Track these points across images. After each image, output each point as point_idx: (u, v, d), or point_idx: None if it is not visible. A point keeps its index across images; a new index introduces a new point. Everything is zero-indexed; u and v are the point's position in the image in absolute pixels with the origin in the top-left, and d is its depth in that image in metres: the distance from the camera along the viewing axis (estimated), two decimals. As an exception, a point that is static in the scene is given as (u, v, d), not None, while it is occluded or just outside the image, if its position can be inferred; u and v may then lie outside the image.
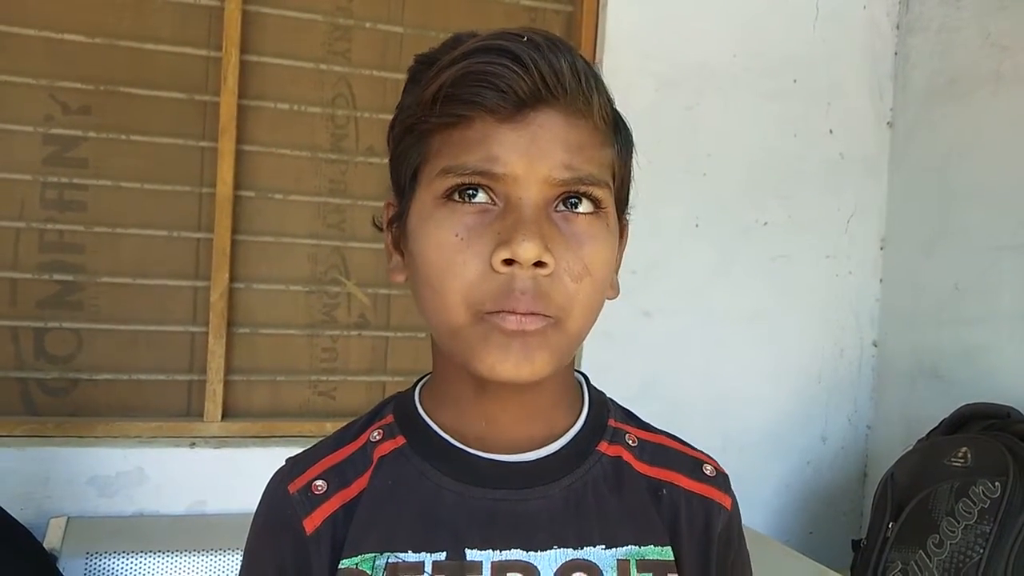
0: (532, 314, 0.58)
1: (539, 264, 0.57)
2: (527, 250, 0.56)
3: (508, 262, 0.57)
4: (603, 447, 0.68)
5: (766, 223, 2.35)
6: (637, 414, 0.74)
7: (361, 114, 2.10)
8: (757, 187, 2.34)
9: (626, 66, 2.18)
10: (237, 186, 2.00)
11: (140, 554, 1.63)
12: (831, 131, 2.40)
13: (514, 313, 0.58)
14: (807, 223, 2.39)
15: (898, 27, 2.45)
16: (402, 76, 0.66)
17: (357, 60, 2.10)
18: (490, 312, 0.58)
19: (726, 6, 2.29)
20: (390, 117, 0.67)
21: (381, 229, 0.71)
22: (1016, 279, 2.04)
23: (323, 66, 2.08)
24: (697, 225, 2.29)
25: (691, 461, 0.71)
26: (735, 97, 2.30)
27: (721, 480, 0.71)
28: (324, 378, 2.11)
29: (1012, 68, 2.10)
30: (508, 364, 0.58)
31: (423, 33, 2.12)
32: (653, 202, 2.10)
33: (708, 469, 0.71)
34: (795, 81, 2.36)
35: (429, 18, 2.14)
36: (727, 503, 0.70)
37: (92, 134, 1.92)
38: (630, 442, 0.69)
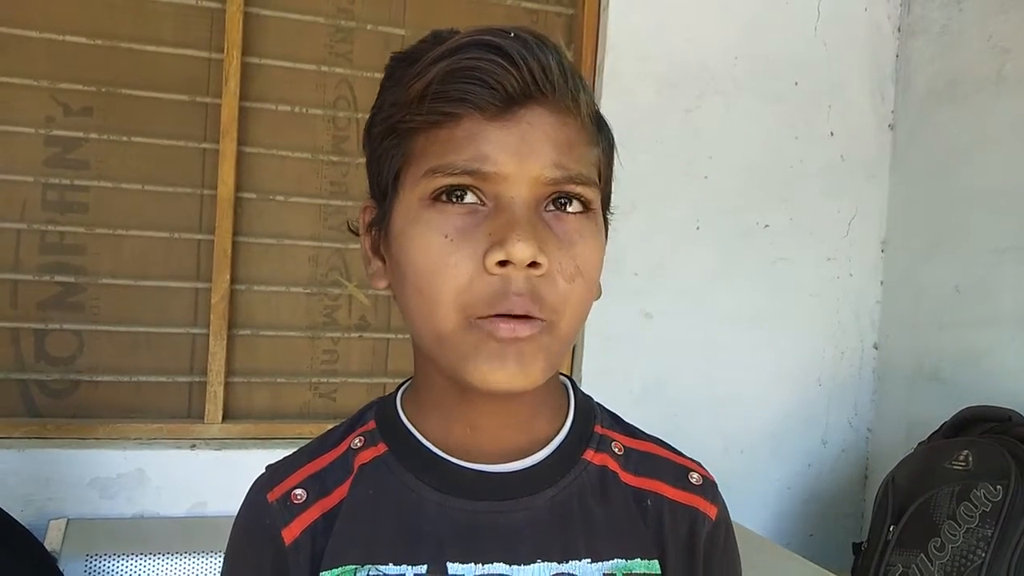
0: (525, 318, 0.56)
1: (533, 264, 0.55)
2: (521, 250, 0.54)
3: (502, 263, 0.55)
4: (589, 455, 0.66)
5: (767, 225, 2.35)
6: (626, 419, 0.72)
7: (362, 116, 2.09)
8: (758, 189, 2.34)
9: (627, 68, 2.18)
10: (238, 188, 2.00)
11: (140, 556, 1.63)
12: (832, 133, 2.40)
13: (508, 320, 0.56)
14: (808, 225, 2.39)
15: (899, 29, 2.45)
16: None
17: (358, 62, 2.10)
18: (482, 317, 0.56)
19: (727, 8, 2.29)
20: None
21: (356, 233, 0.68)
22: (1017, 282, 2.04)
23: (324, 68, 2.08)
24: (698, 227, 2.29)
25: (677, 469, 0.69)
26: (736, 99, 2.30)
27: (708, 488, 0.68)
28: (325, 380, 2.11)
29: (1013, 70, 2.09)
30: (502, 374, 0.56)
31: (424, 35, 2.12)
32: (654, 204, 2.10)
33: (694, 477, 0.68)
34: (796, 83, 2.36)
35: (430, 20, 2.14)
36: (712, 512, 0.67)
37: (94, 135, 1.92)
38: (616, 450, 0.67)
